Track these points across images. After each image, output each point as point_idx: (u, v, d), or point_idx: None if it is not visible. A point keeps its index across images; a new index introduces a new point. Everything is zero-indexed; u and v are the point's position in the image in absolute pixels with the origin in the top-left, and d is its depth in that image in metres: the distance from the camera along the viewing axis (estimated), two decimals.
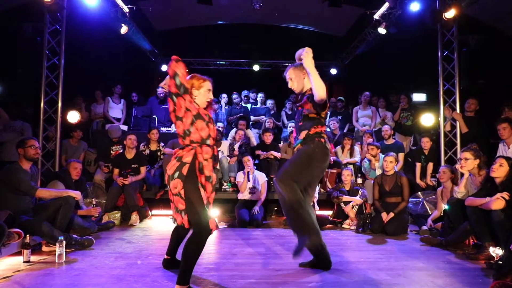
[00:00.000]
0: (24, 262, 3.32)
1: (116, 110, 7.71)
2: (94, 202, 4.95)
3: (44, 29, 5.57)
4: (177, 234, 3.14)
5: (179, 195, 2.66)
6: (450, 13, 5.55)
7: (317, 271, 3.15)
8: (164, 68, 10.22)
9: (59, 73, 5.63)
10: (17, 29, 6.24)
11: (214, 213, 5.78)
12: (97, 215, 4.88)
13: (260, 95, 8.66)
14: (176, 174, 2.66)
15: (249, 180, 5.46)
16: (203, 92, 2.82)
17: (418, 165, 5.96)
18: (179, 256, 3.21)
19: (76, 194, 4.00)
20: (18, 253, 3.48)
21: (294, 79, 3.22)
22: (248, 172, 5.47)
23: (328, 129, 7.15)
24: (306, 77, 3.12)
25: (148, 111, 8.17)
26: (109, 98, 7.65)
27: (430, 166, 5.89)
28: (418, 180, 5.88)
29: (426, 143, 5.94)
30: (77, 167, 4.94)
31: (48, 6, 5.22)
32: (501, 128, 4.83)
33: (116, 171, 5.55)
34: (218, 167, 6.44)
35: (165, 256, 3.22)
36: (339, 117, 7.87)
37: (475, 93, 6.15)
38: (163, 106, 7.87)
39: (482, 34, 6.69)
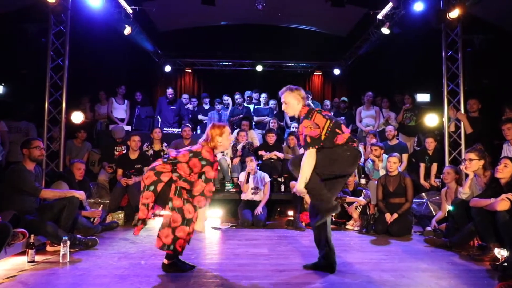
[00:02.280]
0: (29, 262, 3.34)
1: (120, 110, 7.73)
2: (100, 208, 4.94)
3: (49, 30, 5.58)
4: None
5: (146, 206, 2.97)
6: (454, 13, 5.52)
7: (320, 272, 3.14)
8: (167, 68, 10.26)
9: (63, 74, 5.64)
10: (22, 30, 6.27)
11: (217, 213, 5.79)
12: (99, 220, 4.87)
13: (263, 95, 8.64)
14: (151, 188, 2.96)
15: (247, 181, 5.45)
16: (225, 137, 3.14)
17: (422, 165, 5.93)
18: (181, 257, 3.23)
19: (80, 194, 4.02)
20: (23, 253, 3.49)
21: (288, 105, 3.18)
22: (249, 172, 5.46)
23: None
24: (300, 102, 3.13)
25: (152, 112, 8.20)
26: (113, 98, 7.68)
27: (434, 166, 5.86)
28: (422, 181, 5.85)
29: (430, 143, 5.91)
30: (81, 167, 4.96)
31: (53, 7, 5.23)
32: (506, 129, 4.79)
33: (119, 171, 5.57)
34: (219, 167, 6.43)
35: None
36: (343, 118, 7.83)
37: (480, 93, 6.10)
38: (172, 107, 7.94)
39: (487, 33, 6.64)
